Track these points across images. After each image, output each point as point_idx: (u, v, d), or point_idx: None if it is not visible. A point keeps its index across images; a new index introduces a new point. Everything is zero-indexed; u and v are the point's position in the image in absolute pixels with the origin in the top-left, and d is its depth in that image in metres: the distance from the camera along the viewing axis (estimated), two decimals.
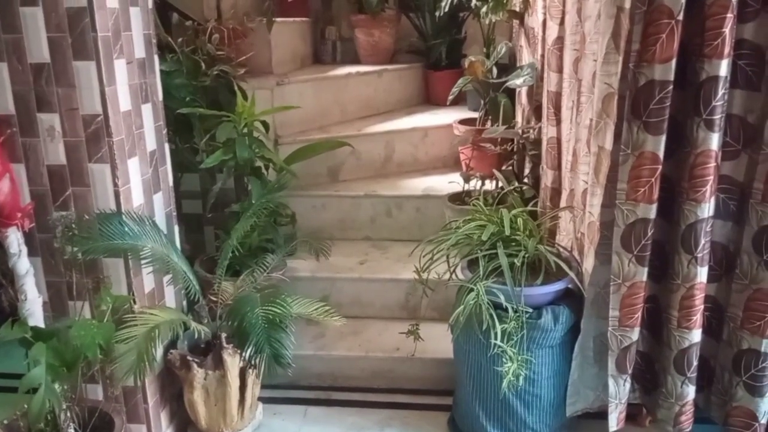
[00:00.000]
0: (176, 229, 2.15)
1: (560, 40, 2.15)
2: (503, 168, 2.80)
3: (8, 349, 1.74)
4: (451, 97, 2.81)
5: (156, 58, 1.99)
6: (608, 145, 1.73)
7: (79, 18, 1.63)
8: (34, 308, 1.73)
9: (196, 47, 2.45)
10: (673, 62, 1.56)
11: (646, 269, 1.74)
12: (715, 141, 1.60)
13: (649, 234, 1.70)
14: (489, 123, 2.82)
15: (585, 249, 1.95)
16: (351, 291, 2.58)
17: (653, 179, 1.65)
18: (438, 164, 3.23)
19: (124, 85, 1.78)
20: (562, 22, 2.13)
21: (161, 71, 2.08)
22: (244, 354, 1.76)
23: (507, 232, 1.92)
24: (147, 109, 1.92)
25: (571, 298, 1.96)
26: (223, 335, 1.92)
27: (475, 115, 2.97)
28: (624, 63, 1.65)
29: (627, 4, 1.62)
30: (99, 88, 1.68)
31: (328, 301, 2.30)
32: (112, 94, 1.71)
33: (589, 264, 1.88)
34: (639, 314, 1.79)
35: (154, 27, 1.97)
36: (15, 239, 1.68)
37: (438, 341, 2.22)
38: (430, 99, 3.74)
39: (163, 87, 2.07)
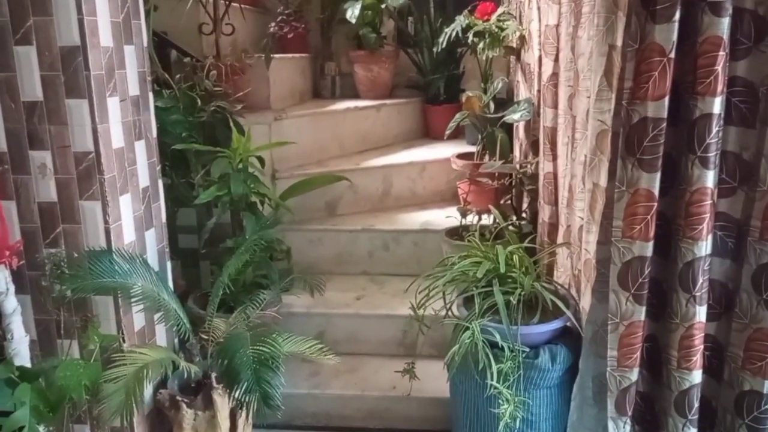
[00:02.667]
0: (168, 265, 2.13)
1: (555, 76, 2.15)
2: (501, 202, 2.79)
3: None
4: (448, 132, 2.80)
5: (151, 95, 1.99)
6: (603, 182, 1.72)
7: (73, 57, 1.64)
8: (20, 347, 1.71)
9: (194, 83, 2.47)
10: (666, 99, 1.55)
11: (644, 308, 1.70)
12: (710, 178, 1.57)
13: (646, 272, 1.67)
14: (486, 157, 2.81)
15: (582, 286, 1.91)
16: (347, 327, 2.54)
17: (649, 217, 1.63)
18: (436, 198, 3.22)
19: (117, 123, 1.78)
20: (556, 59, 2.13)
21: (157, 107, 2.08)
22: (233, 394, 1.72)
23: (502, 269, 1.89)
24: (140, 146, 1.92)
25: (569, 337, 1.92)
26: (213, 375, 1.89)
27: (473, 149, 2.97)
28: (617, 100, 1.65)
29: (618, 42, 1.62)
30: (91, 125, 1.68)
31: (323, 337, 2.26)
32: (104, 132, 1.71)
33: (586, 302, 1.84)
34: (638, 354, 1.75)
35: (149, 64, 1.98)
36: (2, 277, 1.67)
37: (435, 379, 2.18)
38: (428, 133, 3.76)
39: (160, 123, 2.08)
